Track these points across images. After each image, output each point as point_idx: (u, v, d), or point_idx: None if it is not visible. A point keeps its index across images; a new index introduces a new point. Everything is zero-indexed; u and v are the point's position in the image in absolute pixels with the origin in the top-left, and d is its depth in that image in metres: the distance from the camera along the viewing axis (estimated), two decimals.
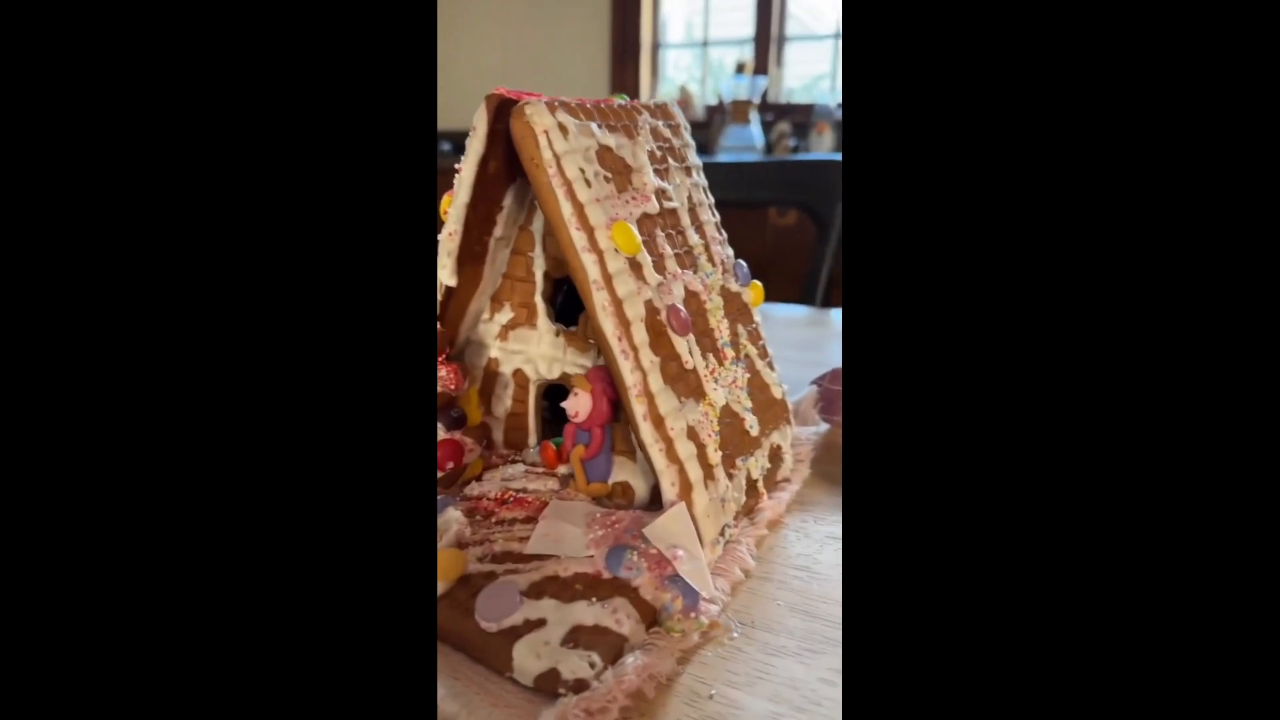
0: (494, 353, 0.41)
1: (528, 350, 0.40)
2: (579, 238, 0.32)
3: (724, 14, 2.29)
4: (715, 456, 0.35)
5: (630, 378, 0.33)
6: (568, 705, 0.25)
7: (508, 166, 0.36)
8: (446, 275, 0.38)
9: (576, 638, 0.27)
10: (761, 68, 2.16)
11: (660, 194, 0.37)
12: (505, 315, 0.41)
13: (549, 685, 0.26)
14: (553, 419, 0.43)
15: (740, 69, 2.10)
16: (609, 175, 0.34)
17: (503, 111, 0.34)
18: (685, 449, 0.33)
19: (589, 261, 0.32)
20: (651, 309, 0.34)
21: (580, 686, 0.26)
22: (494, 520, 0.35)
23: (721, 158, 1.95)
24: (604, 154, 0.34)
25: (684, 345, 0.35)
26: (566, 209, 0.32)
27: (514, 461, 0.41)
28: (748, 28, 2.20)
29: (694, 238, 0.39)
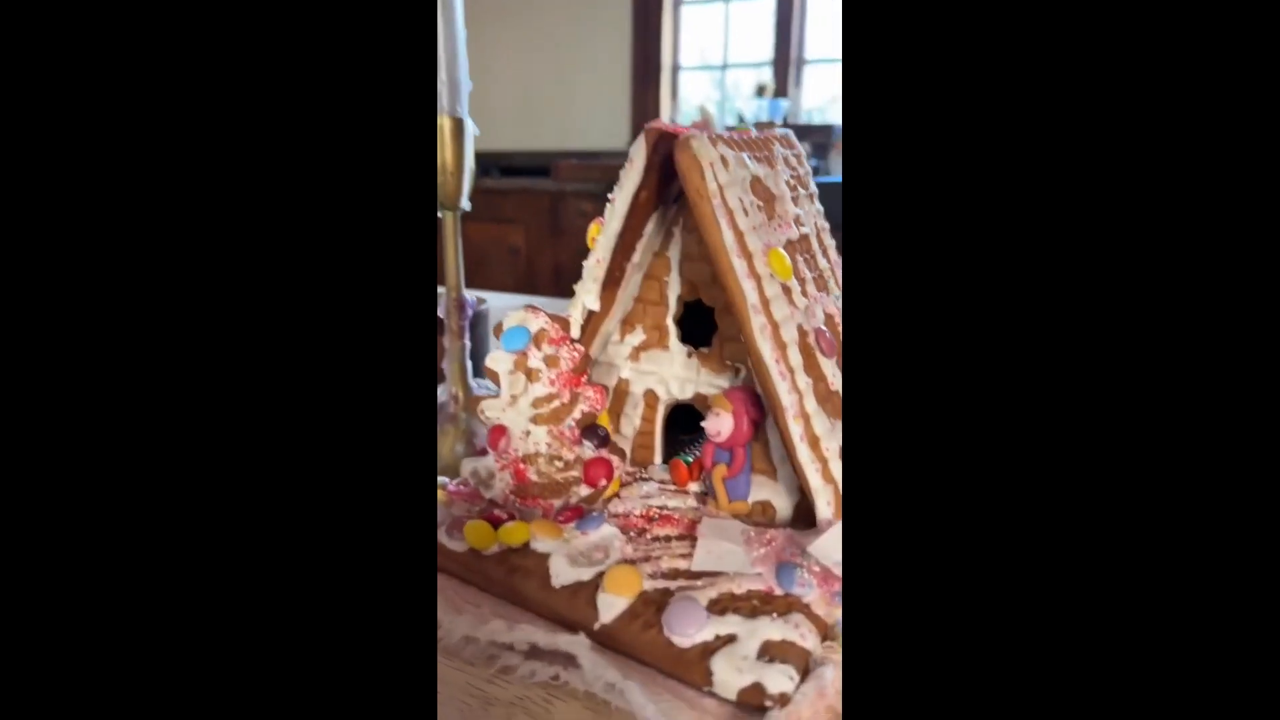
0: (625, 373, 0.42)
1: (660, 371, 0.41)
2: (739, 264, 0.34)
3: (739, 37, 2.33)
4: None
5: (787, 399, 0.34)
6: (778, 718, 0.26)
7: (656, 196, 0.37)
8: (591, 300, 0.39)
9: (770, 651, 0.28)
10: (781, 90, 2.19)
11: (797, 221, 0.39)
12: (637, 337, 0.42)
13: (754, 699, 0.27)
14: (673, 437, 0.44)
15: (761, 91, 2.14)
16: (760, 204, 0.36)
17: (660, 144, 0.35)
18: (839, 468, 0.34)
19: (748, 287, 0.34)
20: (802, 332, 0.35)
21: (784, 700, 0.26)
22: (649, 537, 0.36)
23: None
24: (755, 184, 0.36)
25: (829, 367, 0.36)
26: (729, 237, 0.33)
27: (644, 479, 0.42)
28: (764, 51, 2.24)
29: (823, 262, 0.41)
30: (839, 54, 2.20)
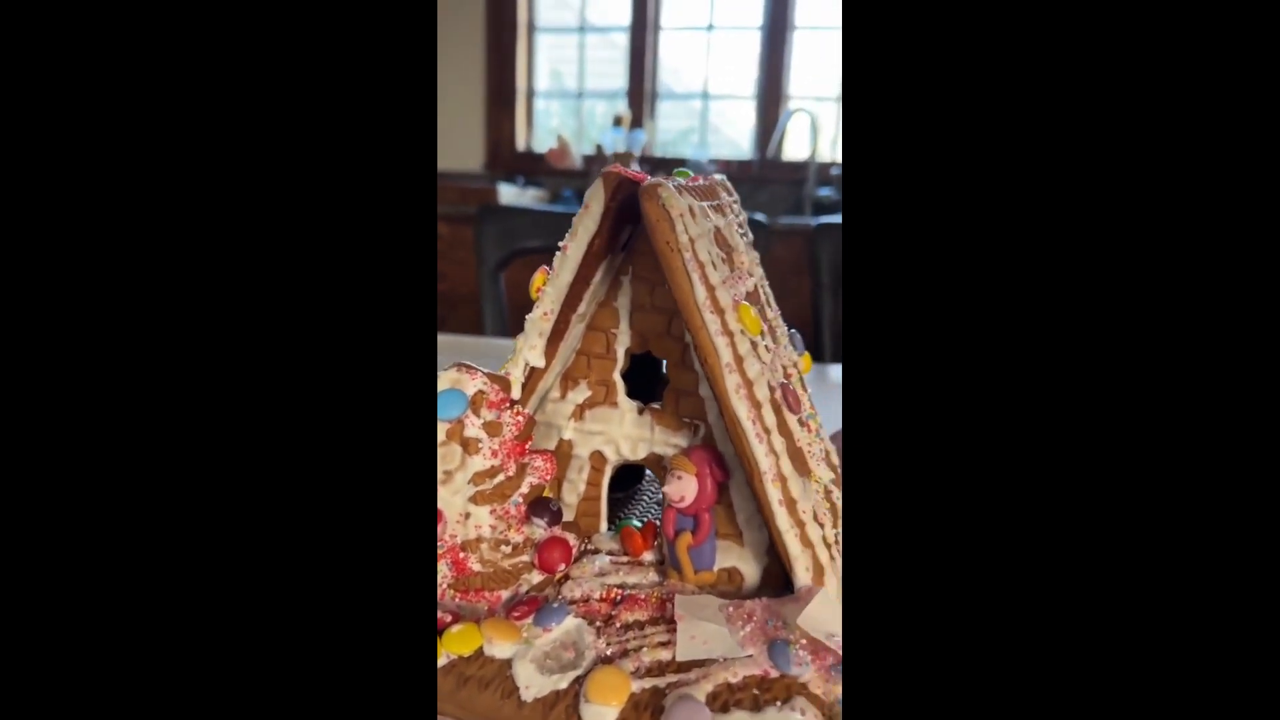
0: (568, 434, 0.38)
1: (608, 430, 0.38)
2: (712, 321, 0.31)
3: (593, 67, 2.36)
4: (831, 535, 0.35)
5: (765, 461, 0.32)
6: None
7: (608, 244, 0.34)
8: (535, 357, 0.35)
9: None
10: (637, 121, 2.24)
11: (749, 271, 0.37)
12: (581, 394, 0.38)
13: None
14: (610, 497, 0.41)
15: (618, 122, 2.17)
16: (724, 256, 0.34)
17: (619, 190, 0.32)
18: (815, 532, 0.33)
19: (722, 344, 0.31)
20: (771, 389, 0.33)
21: None
22: (618, 625, 0.32)
23: None
24: (718, 235, 0.34)
25: (794, 423, 0.35)
26: (700, 293, 0.31)
27: (592, 551, 0.38)
28: (617, 81, 2.28)
29: (770, 312, 0.39)
30: (687, 91, 2.30)
